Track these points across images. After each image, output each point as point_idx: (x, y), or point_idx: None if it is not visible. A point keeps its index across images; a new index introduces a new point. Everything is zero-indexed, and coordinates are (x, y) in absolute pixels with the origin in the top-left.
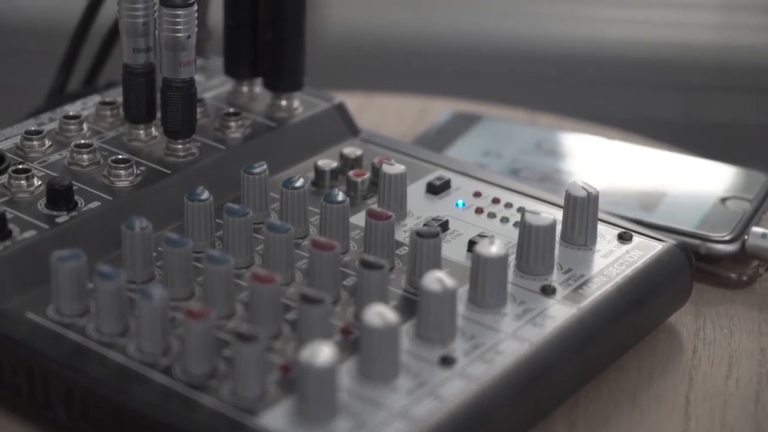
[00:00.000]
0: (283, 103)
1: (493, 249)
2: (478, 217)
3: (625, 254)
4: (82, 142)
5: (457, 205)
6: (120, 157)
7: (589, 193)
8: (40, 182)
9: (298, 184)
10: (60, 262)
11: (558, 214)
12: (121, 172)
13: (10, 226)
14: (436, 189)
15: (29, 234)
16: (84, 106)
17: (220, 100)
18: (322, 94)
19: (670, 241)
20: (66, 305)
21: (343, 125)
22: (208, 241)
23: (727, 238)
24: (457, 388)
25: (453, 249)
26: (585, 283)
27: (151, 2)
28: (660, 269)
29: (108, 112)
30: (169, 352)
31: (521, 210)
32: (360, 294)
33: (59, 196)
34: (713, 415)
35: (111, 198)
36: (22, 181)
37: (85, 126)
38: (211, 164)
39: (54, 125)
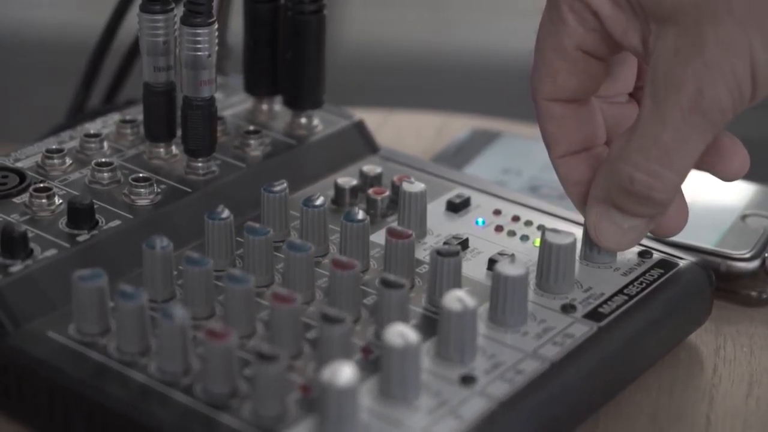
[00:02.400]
0: (303, 120)
1: (513, 268)
2: (498, 235)
3: (645, 272)
4: (103, 160)
5: (477, 223)
6: (140, 175)
7: None
8: (60, 201)
9: (318, 202)
10: (81, 282)
11: (578, 232)
12: (142, 190)
13: (31, 245)
14: (456, 207)
15: (50, 253)
16: (104, 124)
17: (240, 118)
18: (341, 111)
19: (690, 259)
20: (87, 324)
21: (363, 143)
22: (229, 260)
23: (747, 255)
24: (477, 407)
25: (473, 267)
26: (605, 301)
27: (172, 21)
28: (680, 287)
29: (128, 130)
30: (189, 372)
31: (541, 228)
32: (380, 313)
33: (80, 214)
34: None
35: (131, 216)
36: (43, 200)
37: (105, 144)
38: (231, 182)
39: (75, 143)
